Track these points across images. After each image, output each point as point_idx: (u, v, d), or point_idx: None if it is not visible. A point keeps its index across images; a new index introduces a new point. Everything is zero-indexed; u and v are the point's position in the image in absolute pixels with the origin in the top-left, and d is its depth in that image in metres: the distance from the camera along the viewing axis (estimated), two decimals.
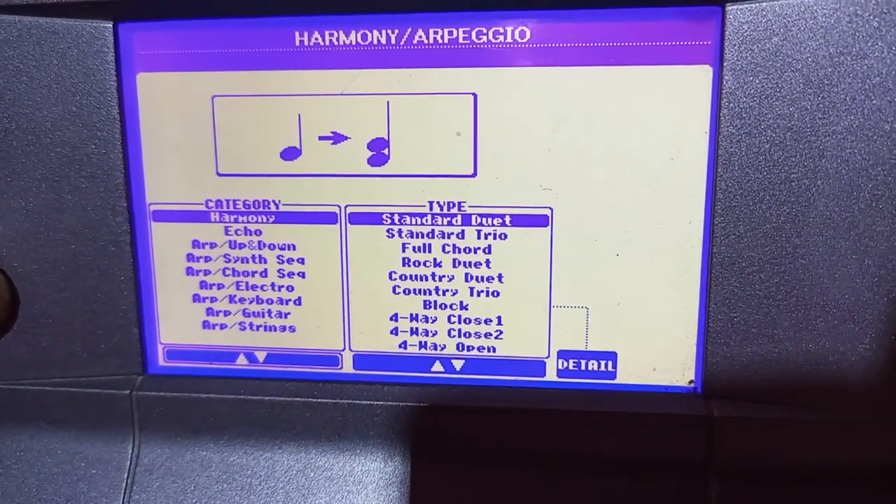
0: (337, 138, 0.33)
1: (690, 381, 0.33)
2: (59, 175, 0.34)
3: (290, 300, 0.35)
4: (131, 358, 0.36)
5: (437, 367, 0.35)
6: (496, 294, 0.34)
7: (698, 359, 0.33)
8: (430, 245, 0.34)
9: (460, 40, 0.32)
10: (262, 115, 0.33)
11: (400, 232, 0.34)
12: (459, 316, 0.34)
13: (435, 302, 0.34)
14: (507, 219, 0.33)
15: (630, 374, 0.34)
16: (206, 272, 0.35)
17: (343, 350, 0.35)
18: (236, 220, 0.34)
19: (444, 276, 0.34)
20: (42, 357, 0.36)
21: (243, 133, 0.34)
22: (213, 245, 0.35)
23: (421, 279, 0.34)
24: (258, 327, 0.35)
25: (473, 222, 0.33)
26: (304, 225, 0.34)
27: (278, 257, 0.35)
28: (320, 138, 0.33)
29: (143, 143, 0.34)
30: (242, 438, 0.35)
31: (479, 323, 0.34)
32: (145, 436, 0.36)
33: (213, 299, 0.35)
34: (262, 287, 0.35)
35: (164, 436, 0.35)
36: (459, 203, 0.33)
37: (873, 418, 0.32)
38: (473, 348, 0.34)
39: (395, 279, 0.34)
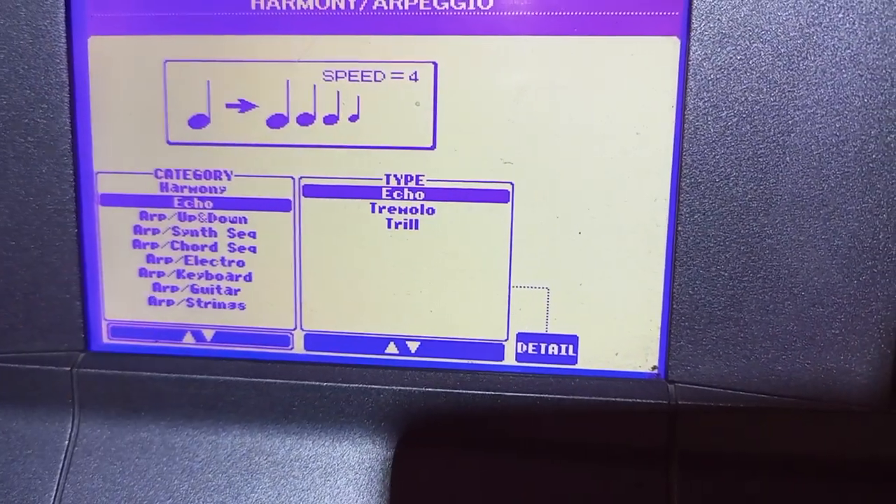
0: (291, 108, 0.32)
1: (654, 367, 0.32)
2: (4, 140, 0.33)
3: (240, 276, 0.34)
4: (73, 334, 0.34)
5: (392, 348, 0.33)
6: (453, 273, 0.33)
7: (662, 343, 0.32)
8: (387, 220, 0.32)
9: (421, 7, 0.31)
10: (214, 81, 0.32)
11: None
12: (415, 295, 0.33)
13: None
14: (466, 194, 0.32)
15: (591, 358, 0.33)
16: (154, 245, 0.34)
17: (294, 329, 0.34)
18: (186, 191, 0.33)
19: None
20: None
21: (195, 99, 0.32)
22: (161, 217, 0.34)
23: None
24: (206, 304, 0.34)
25: (431, 197, 0.32)
26: (256, 197, 0.33)
27: (229, 231, 0.33)
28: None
29: (92, 109, 0.33)
30: (185, 420, 0.34)
31: (435, 303, 0.33)
32: (85, 415, 0.34)
33: (160, 274, 0.34)
34: (211, 262, 0.34)
35: (105, 415, 0.34)
36: (417, 176, 0.32)
37: (841, 407, 0.30)
38: (429, 330, 0.33)
39: (349, 255, 0.33)
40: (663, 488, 0.31)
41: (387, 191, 0.32)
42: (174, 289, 0.34)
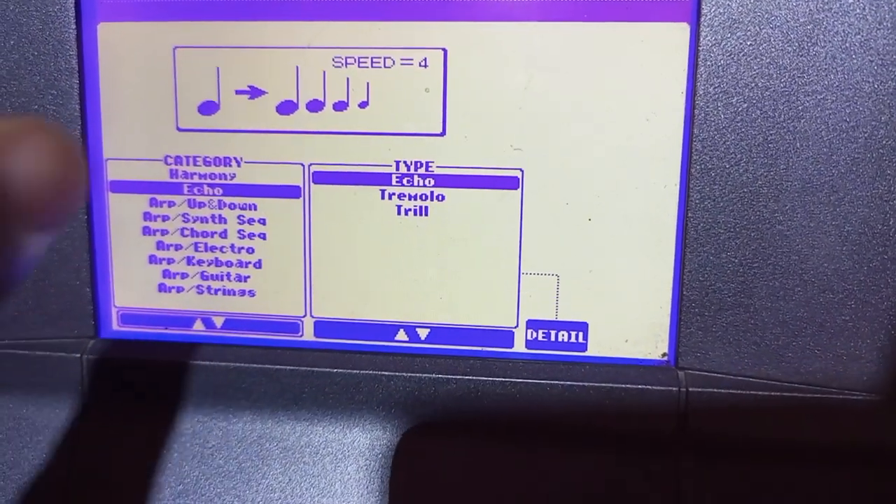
0: (300, 94, 0.32)
1: (664, 354, 0.32)
2: None
3: (249, 263, 0.34)
4: (83, 321, 0.34)
5: (401, 335, 0.33)
6: (463, 260, 0.33)
7: (672, 330, 0.32)
8: (397, 207, 0.33)
9: None
10: (224, 67, 0.32)
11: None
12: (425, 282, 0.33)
13: None
14: (476, 180, 0.32)
15: (601, 345, 0.33)
16: (164, 232, 0.34)
17: (304, 316, 0.34)
18: (196, 178, 0.33)
19: None
20: None
21: (205, 86, 0.32)
22: (171, 204, 0.34)
23: None
24: (216, 291, 0.34)
25: (441, 183, 0.32)
26: (265, 184, 0.33)
27: (238, 217, 0.33)
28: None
29: (102, 95, 0.33)
30: (195, 406, 0.34)
31: (445, 290, 0.33)
32: (94, 402, 0.34)
33: (169, 261, 0.34)
34: (221, 249, 0.34)
35: (114, 402, 0.34)
36: (427, 163, 0.32)
37: (852, 394, 0.30)
38: (439, 317, 0.33)
39: (359, 242, 0.33)
40: (673, 475, 0.31)
41: (396, 177, 0.32)
42: (184, 276, 0.34)
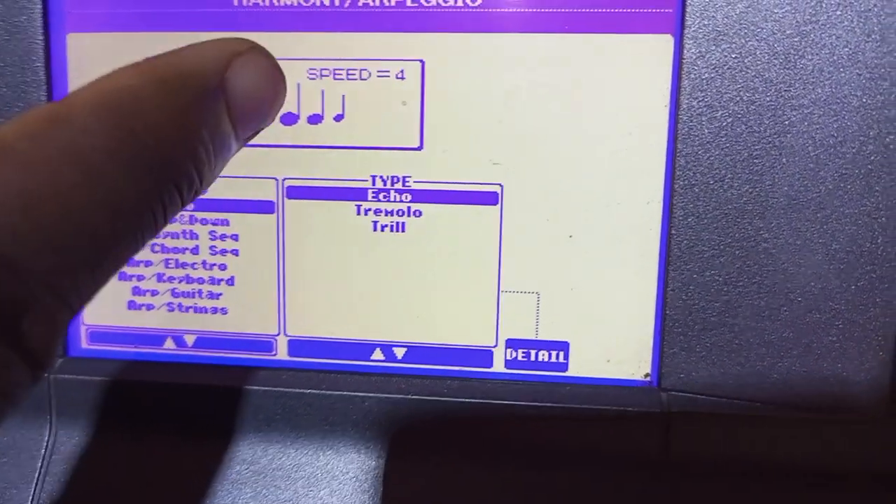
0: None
1: (646, 375, 0.31)
2: None
3: (222, 280, 0.33)
4: None
5: (378, 354, 0.32)
6: (441, 277, 0.32)
7: (655, 350, 0.31)
8: (373, 222, 0.32)
9: (408, 3, 0.30)
10: None
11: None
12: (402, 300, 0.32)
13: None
14: (454, 196, 0.31)
15: (582, 365, 0.32)
16: None
17: (278, 335, 0.33)
18: None
19: None
20: None
21: None
22: None
23: None
24: (187, 309, 0.33)
25: (418, 199, 0.31)
26: (238, 198, 0.32)
27: (210, 233, 0.32)
28: None
29: None
30: (165, 427, 0.33)
31: (422, 308, 0.32)
32: (62, 422, 0.33)
33: (139, 277, 0.33)
34: (192, 265, 0.33)
35: (83, 423, 0.33)
36: (404, 178, 0.31)
37: (838, 416, 0.29)
38: (416, 335, 0.32)
39: (334, 259, 0.32)
40: (656, 498, 0.30)
41: (373, 192, 0.31)
42: (154, 293, 0.33)
